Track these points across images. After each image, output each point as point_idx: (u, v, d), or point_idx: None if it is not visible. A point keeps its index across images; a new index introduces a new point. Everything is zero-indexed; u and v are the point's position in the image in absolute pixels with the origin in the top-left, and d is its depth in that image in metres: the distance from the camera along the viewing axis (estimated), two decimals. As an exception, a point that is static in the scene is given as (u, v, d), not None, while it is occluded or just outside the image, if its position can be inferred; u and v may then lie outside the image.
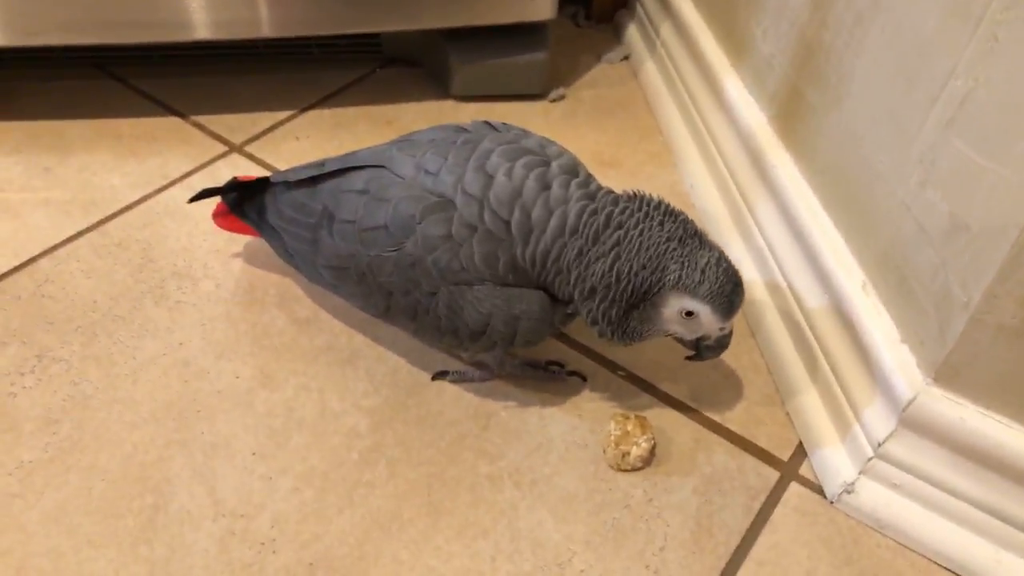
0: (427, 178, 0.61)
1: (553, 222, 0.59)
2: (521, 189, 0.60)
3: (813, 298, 0.70)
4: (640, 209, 0.59)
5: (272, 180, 0.71)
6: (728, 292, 0.58)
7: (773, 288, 0.76)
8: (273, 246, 0.72)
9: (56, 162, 0.92)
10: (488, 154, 0.61)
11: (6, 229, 0.83)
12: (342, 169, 0.66)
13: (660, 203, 0.60)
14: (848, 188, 0.67)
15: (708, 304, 0.59)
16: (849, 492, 0.63)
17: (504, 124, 0.66)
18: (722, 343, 0.63)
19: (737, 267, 0.60)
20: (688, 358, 0.65)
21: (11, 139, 0.94)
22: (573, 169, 0.63)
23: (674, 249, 0.58)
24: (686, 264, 0.58)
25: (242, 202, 0.73)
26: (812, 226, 0.70)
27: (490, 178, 0.60)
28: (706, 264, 0.58)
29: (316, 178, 0.67)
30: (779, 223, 0.75)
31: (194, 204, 0.76)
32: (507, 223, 0.60)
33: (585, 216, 0.59)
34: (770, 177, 0.77)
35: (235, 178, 0.74)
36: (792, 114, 0.76)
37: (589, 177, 0.63)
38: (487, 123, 0.66)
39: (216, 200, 0.76)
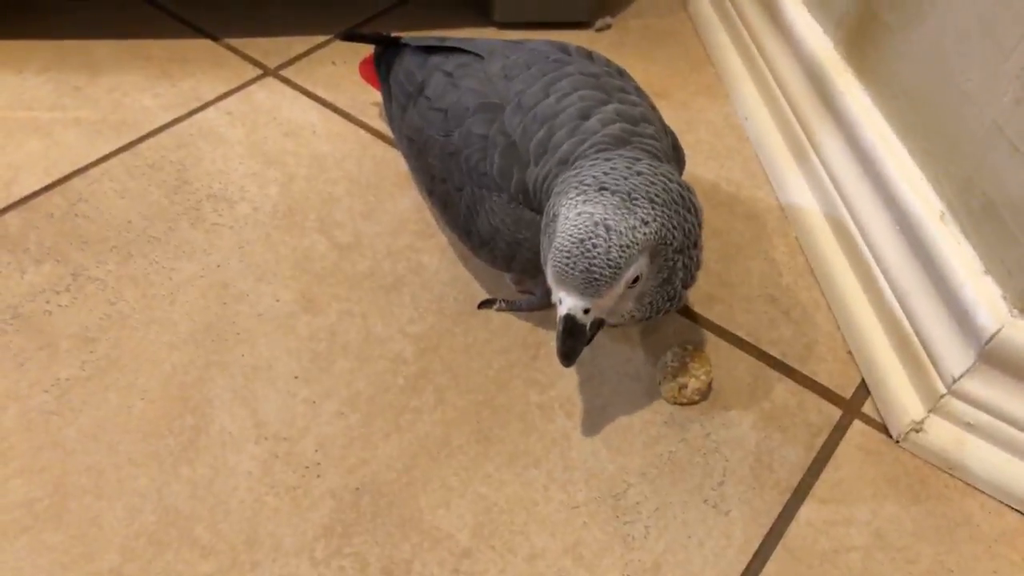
0: (502, 81, 0.61)
1: (565, 148, 0.56)
2: (559, 113, 0.57)
3: (882, 231, 0.66)
4: (637, 171, 0.52)
5: (404, 43, 0.72)
6: (568, 254, 0.48)
7: (835, 223, 0.72)
8: (384, 105, 0.74)
9: (86, 81, 0.88)
10: (563, 77, 0.59)
11: (37, 147, 0.81)
12: (452, 48, 0.66)
13: (667, 175, 0.53)
14: (928, 112, 0.63)
15: (550, 261, 0.50)
16: (917, 431, 0.60)
17: (605, 59, 0.64)
18: (563, 325, 0.51)
19: (611, 245, 0.48)
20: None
21: (40, 58, 0.91)
22: (632, 118, 0.58)
23: (580, 195, 0.50)
24: (567, 210, 0.50)
25: (381, 59, 0.74)
26: (885, 155, 0.66)
27: (546, 97, 0.58)
28: (577, 216, 0.49)
29: (430, 51, 0.68)
30: (846, 154, 0.71)
31: (227, 126, 0.75)
32: (531, 140, 0.57)
33: (586, 148, 0.55)
34: (837, 106, 0.73)
35: (387, 34, 0.75)
36: (863, 36, 0.71)
37: (651, 134, 0.58)
38: (590, 54, 0.64)
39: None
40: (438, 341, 0.66)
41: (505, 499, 0.57)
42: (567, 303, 0.51)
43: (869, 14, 0.70)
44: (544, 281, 0.67)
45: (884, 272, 0.65)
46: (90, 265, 0.70)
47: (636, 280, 0.51)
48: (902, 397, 0.62)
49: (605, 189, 0.50)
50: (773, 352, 0.68)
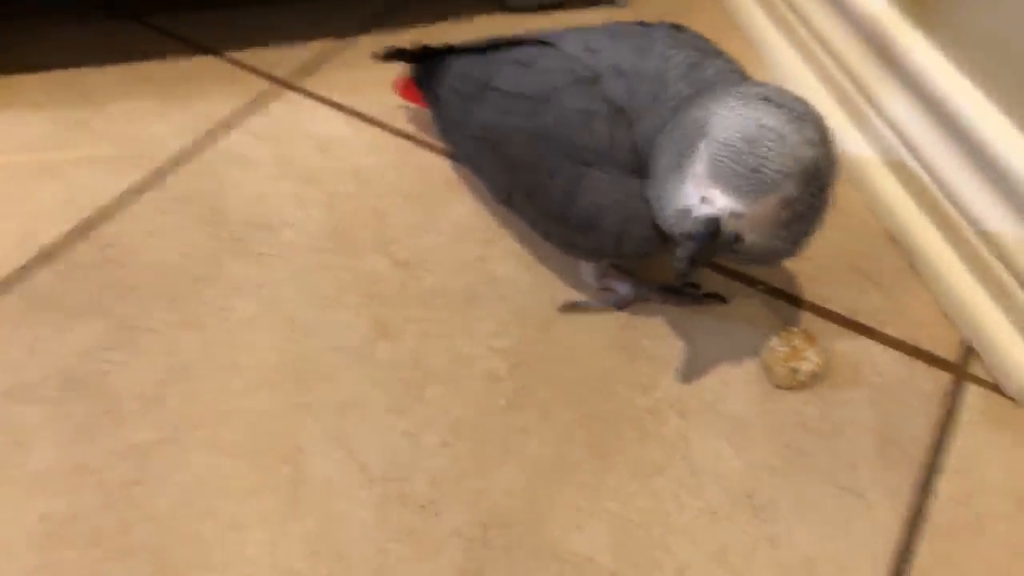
0: (587, 55, 0.57)
1: (683, 93, 0.53)
2: (667, 70, 0.54)
3: (969, 187, 0.64)
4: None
5: (447, 50, 0.69)
6: (736, 149, 0.45)
7: (910, 182, 0.70)
8: (434, 117, 0.71)
9: (90, 114, 0.82)
10: (657, 42, 0.56)
11: (51, 192, 0.74)
12: (513, 42, 0.64)
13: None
14: (1013, 58, 0.60)
15: (706, 155, 0.46)
16: (1038, 388, 0.59)
17: (690, 30, 0.60)
18: (702, 228, 0.47)
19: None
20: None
21: (33, 93, 0.84)
22: (737, 73, 0.56)
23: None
24: (726, 113, 0.47)
25: (422, 73, 0.72)
26: (965, 109, 0.64)
27: (645, 60, 0.55)
28: (741, 117, 0.46)
29: (487, 49, 0.65)
30: (916, 113, 0.69)
31: (252, 147, 0.70)
32: (639, 98, 0.54)
33: (712, 87, 0.52)
34: (901, 64, 0.70)
35: (424, 45, 0.72)
36: (922, -12, 0.69)
37: (777, 90, 0.53)
38: (676, 26, 0.60)
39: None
40: (528, 353, 0.63)
41: (638, 513, 0.54)
42: (718, 203, 0.46)
43: (925, -38, 0.68)
44: (626, 278, 0.65)
45: (974, 225, 0.64)
46: (137, 315, 0.65)
47: (787, 202, 0.48)
48: (1015, 354, 0.60)
49: (769, 101, 0.47)
50: (870, 323, 0.65)
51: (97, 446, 0.57)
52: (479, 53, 0.66)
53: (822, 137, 0.48)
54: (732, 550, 0.53)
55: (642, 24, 0.60)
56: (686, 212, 0.48)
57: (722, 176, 0.46)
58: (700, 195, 0.47)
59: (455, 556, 0.52)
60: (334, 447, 0.58)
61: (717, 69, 0.54)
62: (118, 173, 0.76)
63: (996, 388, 0.61)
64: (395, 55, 0.73)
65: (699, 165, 0.47)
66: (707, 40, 0.60)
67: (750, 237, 0.48)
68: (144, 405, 0.60)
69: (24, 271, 0.68)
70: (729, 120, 0.46)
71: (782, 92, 0.49)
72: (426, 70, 0.71)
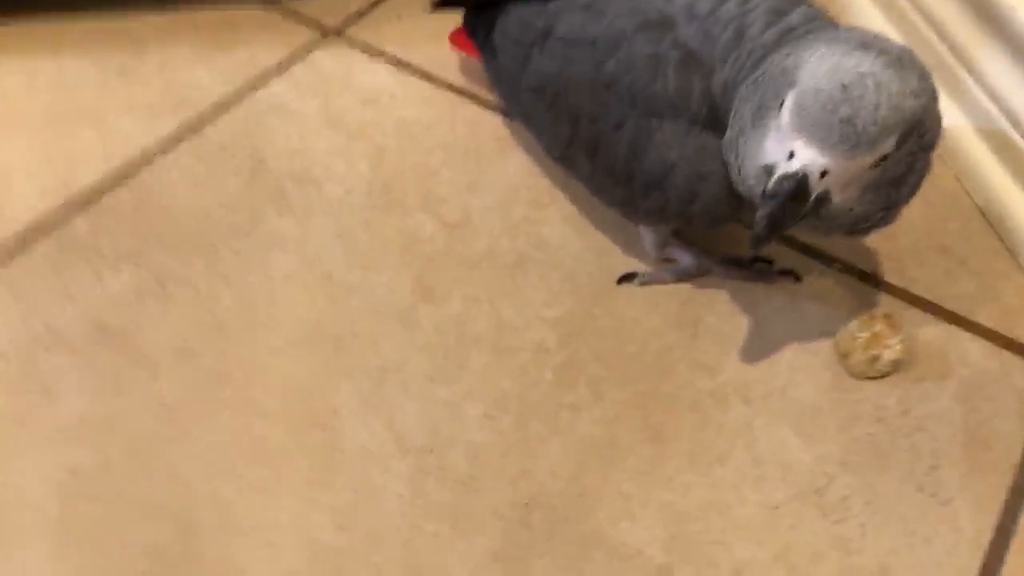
0: (659, 0, 0.51)
1: (765, 38, 0.47)
2: (748, 12, 0.49)
3: (1081, 162, 0.57)
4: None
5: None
6: (828, 97, 0.40)
7: (1011, 156, 0.64)
8: (487, 67, 0.66)
9: (131, 60, 0.79)
10: None
11: (91, 137, 0.72)
12: None
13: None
14: None
15: (793, 103, 0.42)
16: None
17: None
18: (786, 185, 0.41)
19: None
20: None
21: (74, 38, 0.81)
22: (826, 21, 0.50)
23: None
24: (818, 61, 0.42)
25: (477, 21, 0.66)
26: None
27: (724, 3, 0.49)
28: (834, 65, 0.41)
29: None
30: (1016, 72, 0.62)
31: (296, 98, 0.68)
32: (715, 44, 0.49)
33: (799, 33, 0.47)
34: (1004, 21, 0.63)
35: None
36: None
37: (877, 37, 0.47)
38: None
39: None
40: (580, 325, 0.59)
41: (694, 505, 0.50)
42: (803, 157, 0.41)
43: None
44: (689, 248, 0.60)
45: (1086, 209, 0.57)
46: (174, 266, 0.62)
47: (883, 160, 0.42)
48: None
49: (867, 47, 0.41)
50: (959, 310, 0.59)
51: (126, 399, 0.55)
52: (540, 1, 0.61)
53: (927, 89, 0.42)
54: (796, 550, 0.48)
55: None
56: (769, 169, 0.43)
57: (810, 127, 0.40)
58: (786, 150, 0.42)
59: (492, 538, 0.49)
60: (371, 414, 0.54)
61: (804, 16, 0.48)
62: (158, 120, 0.73)
63: (1101, 388, 0.55)
64: (448, 2, 0.68)
65: (785, 116, 0.41)
66: None
67: (838, 198, 0.43)
68: (176, 359, 0.57)
69: (60, 217, 0.65)
70: (821, 66, 0.41)
71: (882, 38, 0.43)
72: (481, 18, 0.67)
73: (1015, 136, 0.63)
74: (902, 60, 0.41)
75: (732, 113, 0.47)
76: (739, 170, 0.46)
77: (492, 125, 0.72)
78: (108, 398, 0.55)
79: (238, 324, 0.59)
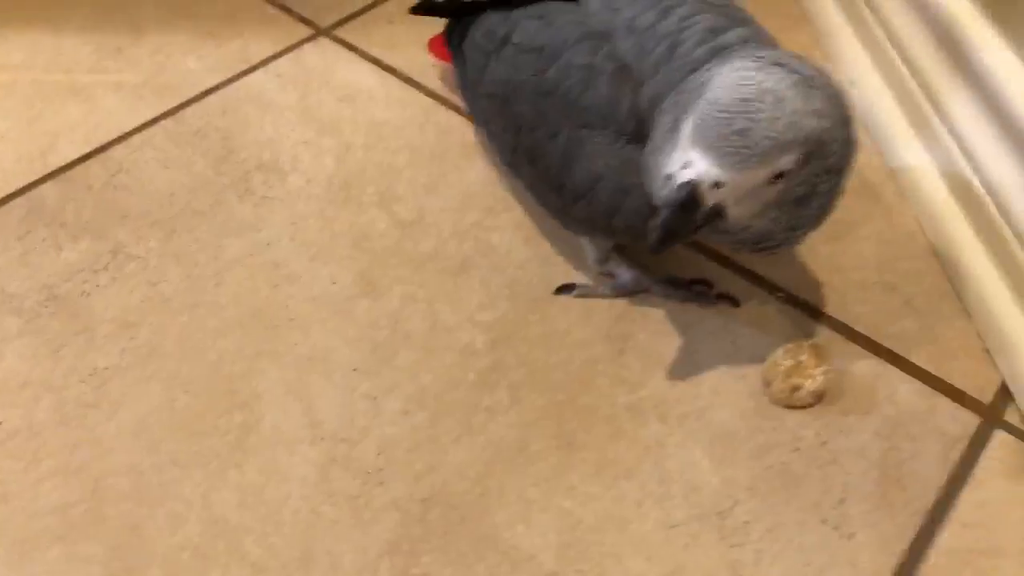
0: (606, 12, 0.53)
1: (696, 54, 0.48)
2: (684, 29, 0.50)
3: (1030, 209, 0.57)
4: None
5: (482, 4, 0.64)
6: (724, 109, 0.41)
7: (967, 199, 0.63)
8: (457, 74, 0.67)
9: (128, 43, 0.82)
10: (682, 4, 0.51)
11: (76, 113, 0.75)
12: None
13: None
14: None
15: (693, 116, 0.42)
16: (1077, 445, 0.51)
17: None
18: (677, 194, 0.42)
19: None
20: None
21: (79, 16, 0.85)
22: (776, 46, 0.50)
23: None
24: (729, 73, 0.43)
25: (453, 29, 0.68)
26: (1036, 120, 0.56)
27: (664, 18, 0.50)
28: (742, 79, 0.42)
29: (512, 4, 0.60)
30: (982, 119, 0.62)
31: (278, 90, 0.68)
32: (647, 58, 0.50)
33: (728, 52, 0.47)
34: (971, 64, 0.63)
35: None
36: (1008, -18, 0.61)
37: (795, 58, 0.48)
38: None
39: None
40: (512, 331, 0.59)
41: (593, 515, 0.50)
42: (697, 168, 0.41)
43: (1016, -46, 0.60)
44: (630, 265, 0.60)
45: (1032, 257, 0.56)
46: (130, 242, 0.64)
47: (780, 176, 0.42)
48: (1056, 405, 0.53)
49: (782, 66, 0.42)
50: (895, 348, 0.59)
51: (62, 364, 0.57)
52: (507, 7, 0.62)
53: (835, 111, 0.42)
54: (688, 571, 0.48)
55: None
56: (668, 179, 0.43)
57: (705, 138, 0.41)
58: (683, 160, 0.42)
59: (388, 529, 0.49)
60: (292, 399, 0.55)
61: (740, 35, 0.49)
62: (142, 101, 0.76)
63: (1030, 439, 0.54)
64: (426, 9, 0.69)
65: (687, 128, 0.42)
66: (741, 8, 0.54)
67: (734, 212, 0.43)
68: (117, 330, 0.59)
69: (32, 185, 0.68)
70: (727, 81, 0.41)
71: (801, 59, 0.43)
72: (457, 26, 0.68)
73: (974, 180, 0.62)
74: (812, 81, 0.42)
75: (654, 126, 0.47)
76: (652, 182, 0.47)
77: (462, 132, 0.74)
78: (44, 362, 0.57)
79: (181, 302, 0.61)
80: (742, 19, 0.52)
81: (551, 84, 0.53)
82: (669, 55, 0.49)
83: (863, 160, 0.72)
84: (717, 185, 0.41)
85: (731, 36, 0.49)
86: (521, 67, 0.56)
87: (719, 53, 0.47)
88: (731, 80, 0.41)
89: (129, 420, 0.54)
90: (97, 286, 0.61)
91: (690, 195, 0.41)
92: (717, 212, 0.43)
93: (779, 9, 0.88)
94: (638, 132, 0.49)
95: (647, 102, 0.49)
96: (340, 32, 0.84)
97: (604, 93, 0.50)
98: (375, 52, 0.82)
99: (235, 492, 0.51)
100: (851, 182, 0.69)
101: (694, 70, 0.47)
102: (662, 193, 0.43)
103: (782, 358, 0.55)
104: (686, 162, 0.42)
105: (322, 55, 0.81)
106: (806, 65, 0.43)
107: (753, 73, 0.41)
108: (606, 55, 0.51)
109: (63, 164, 0.70)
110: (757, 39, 0.49)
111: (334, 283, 0.62)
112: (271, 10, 0.87)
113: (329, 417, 0.54)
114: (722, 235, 0.46)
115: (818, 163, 0.43)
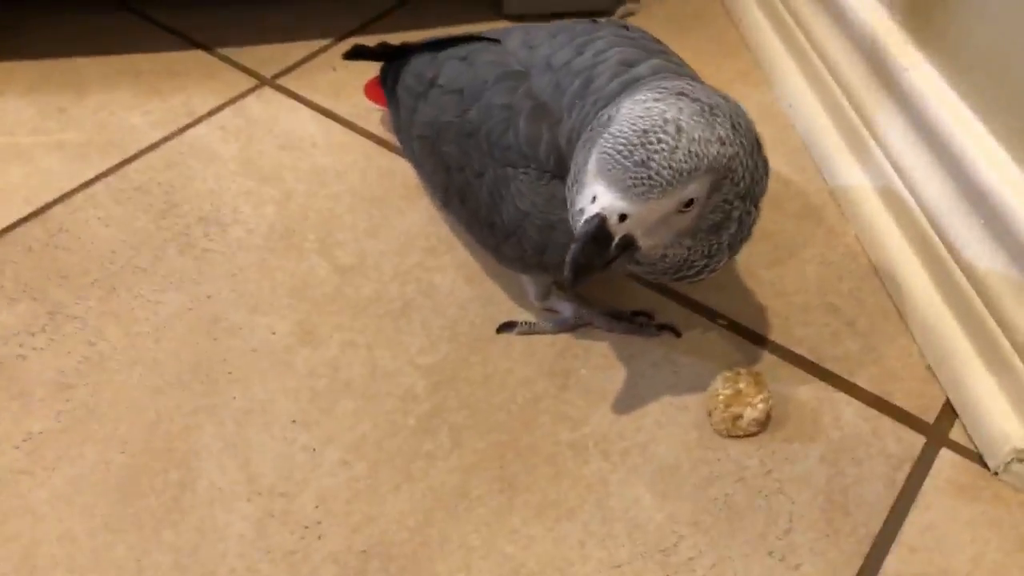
0: (524, 51, 0.54)
1: (609, 88, 0.48)
2: (598, 64, 0.50)
3: (960, 224, 0.57)
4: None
5: (410, 48, 0.65)
6: (624, 141, 0.41)
7: (903, 217, 0.63)
8: (392, 117, 0.68)
9: (71, 102, 0.82)
10: (597, 39, 0.52)
11: (17, 175, 0.74)
12: (465, 38, 0.60)
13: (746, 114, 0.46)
14: (1014, 85, 0.53)
15: (596, 150, 0.42)
16: (1021, 460, 0.51)
17: (640, 29, 0.56)
18: (586, 228, 0.42)
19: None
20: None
21: (22, 78, 0.85)
22: (687, 76, 0.51)
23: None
24: (632, 106, 0.43)
25: (387, 73, 0.69)
26: (961, 137, 0.57)
27: (579, 55, 0.51)
28: (645, 109, 0.42)
29: (439, 47, 0.61)
30: (911, 138, 0.62)
31: (220, 142, 0.68)
32: (564, 94, 0.50)
33: (640, 85, 0.47)
34: (898, 84, 0.63)
35: (385, 44, 0.70)
36: (928, 3, 0.62)
37: (700, 87, 0.49)
38: (623, 25, 0.57)
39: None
40: (453, 373, 0.59)
41: (535, 559, 0.49)
42: (602, 201, 0.41)
43: (932, -24, 0.61)
44: (571, 299, 0.60)
45: (967, 272, 0.56)
46: (69, 302, 0.64)
47: (689, 204, 0.42)
48: (999, 420, 0.53)
49: (684, 96, 0.42)
50: (838, 371, 0.59)
51: (-6, 431, 0.56)
52: (435, 50, 0.62)
53: (741, 139, 0.42)
54: (633, 612, 0.47)
55: (593, 22, 0.56)
56: (580, 213, 0.43)
57: (608, 171, 0.41)
58: (591, 195, 0.42)
59: (326, 585, 0.48)
60: (228, 455, 0.54)
61: (653, 68, 0.49)
62: (85, 160, 0.76)
63: (974, 456, 0.54)
64: (359, 54, 0.70)
65: (592, 162, 0.42)
66: (656, 40, 0.55)
67: (646, 242, 0.43)
68: (52, 393, 0.58)
69: (-30, 249, 0.67)
70: (631, 113, 0.41)
71: (706, 90, 0.44)
72: (390, 69, 0.69)
73: (909, 198, 0.63)
74: (716, 108, 0.42)
75: (572, 162, 0.48)
76: (571, 217, 0.47)
77: (403, 174, 0.74)
78: (-23, 429, 0.56)
79: (119, 361, 0.60)
80: (657, 50, 0.52)
81: (473, 125, 0.53)
82: (583, 90, 0.49)
83: (804, 182, 0.73)
84: (623, 217, 0.41)
85: (643, 68, 0.49)
86: (446, 108, 0.56)
87: (632, 86, 0.48)
88: (633, 112, 0.41)
89: (63, 485, 0.53)
90: (34, 348, 0.60)
91: (598, 228, 0.41)
92: (628, 243, 0.43)
93: (718, 36, 0.90)
94: (559, 168, 0.50)
95: (565, 138, 0.49)
96: (283, 81, 0.85)
97: (523, 132, 0.50)
98: (318, 99, 0.82)
99: (170, 553, 0.50)
100: (793, 205, 0.70)
101: (608, 104, 0.47)
102: (575, 228, 0.43)
103: (721, 387, 0.54)
104: (593, 196, 0.42)
105: (265, 105, 0.82)
106: (712, 93, 0.44)
107: (653, 104, 0.41)
108: (524, 94, 0.51)
109: (2, 227, 0.69)
110: (668, 70, 0.50)
111: (273, 333, 0.61)
112: (215, 62, 0.87)
113: (266, 471, 0.53)
114: (640, 266, 0.46)
115: (729, 189, 0.43)
